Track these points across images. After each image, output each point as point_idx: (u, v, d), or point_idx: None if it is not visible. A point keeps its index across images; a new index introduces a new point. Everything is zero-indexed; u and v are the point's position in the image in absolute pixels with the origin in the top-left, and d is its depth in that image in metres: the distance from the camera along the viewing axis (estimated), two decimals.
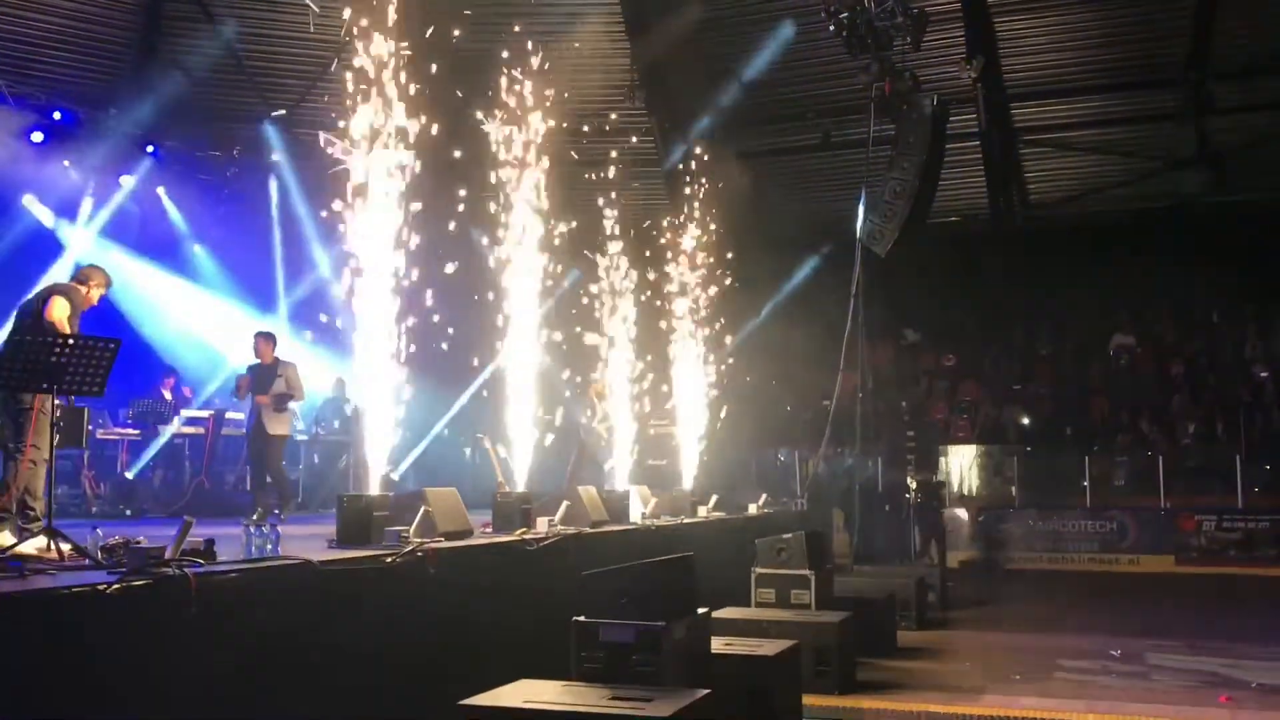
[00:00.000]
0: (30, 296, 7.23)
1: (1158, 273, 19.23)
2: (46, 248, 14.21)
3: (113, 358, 5.73)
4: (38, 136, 14.99)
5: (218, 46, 16.92)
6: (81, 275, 7.43)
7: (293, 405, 11.16)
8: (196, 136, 16.39)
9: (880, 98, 14.62)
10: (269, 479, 10.82)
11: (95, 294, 7.40)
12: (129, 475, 12.45)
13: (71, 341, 5.68)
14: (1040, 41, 19.12)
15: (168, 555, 4.84)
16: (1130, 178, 20.95)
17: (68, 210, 15.22)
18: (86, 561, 5.14)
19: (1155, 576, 16.82)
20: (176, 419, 12.84)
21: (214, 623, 4.78)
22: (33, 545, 5.52)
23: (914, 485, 15.98)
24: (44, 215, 14.97)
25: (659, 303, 13.29)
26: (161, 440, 12.71)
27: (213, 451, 12.56)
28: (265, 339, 11.25)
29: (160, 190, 16.40)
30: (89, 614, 4.35)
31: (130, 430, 12.20)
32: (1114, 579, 16.93)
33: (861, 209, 14.79)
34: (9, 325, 7.22)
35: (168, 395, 13.29)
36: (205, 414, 12.90)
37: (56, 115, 14.96)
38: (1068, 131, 20.60)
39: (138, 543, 4.97)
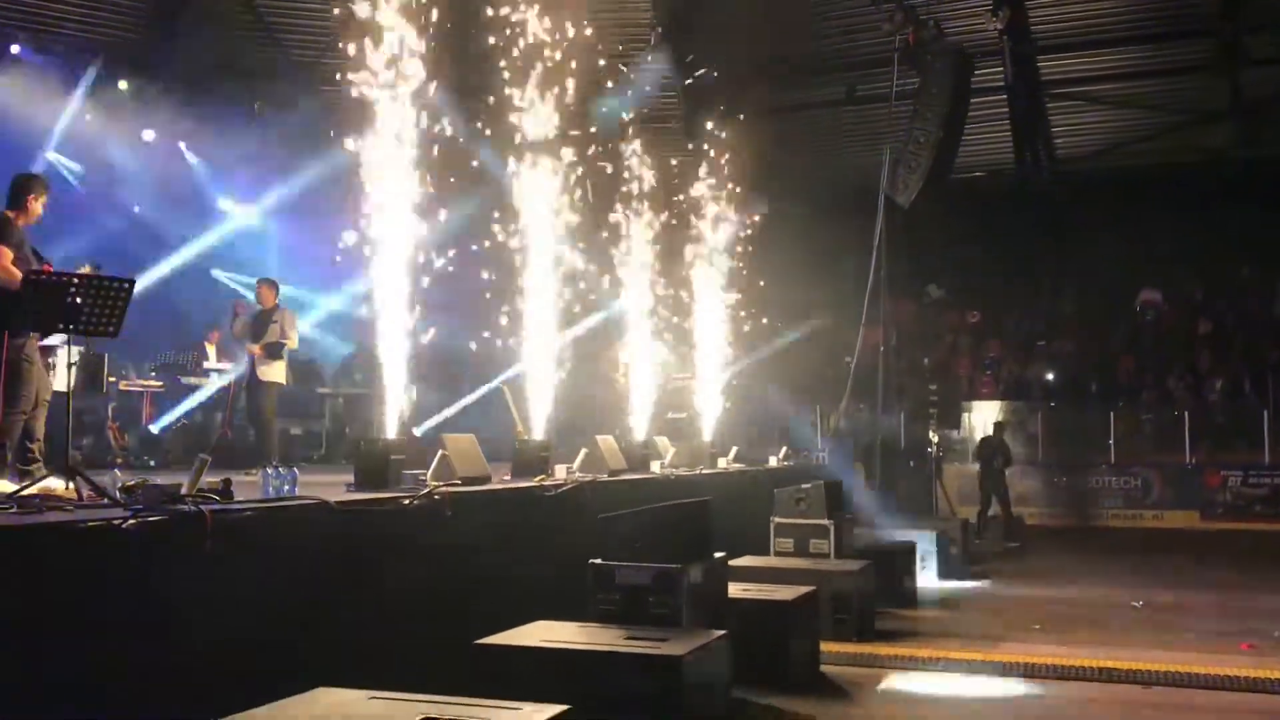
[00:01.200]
0: None
1: (1186, 228, 19.00)
2: (76, 203, 14.22)
3: (128, 297, 5.73)
4: (63, 91, 15.01)
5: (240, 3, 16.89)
6: (14, 192, 6.89)
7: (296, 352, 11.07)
8: (219, 90, 16.34)
9: (904, 48, 14.44)
10: (254, 427, 10.82)
11: (36, 207, 6.94)
12: (153, 428, 12.55)
13: (87, 282, 5.67)
14: None
15: (184, 492, 4.84)
16: (1159, 132, 20.65)
17: (97, 168, 15.24)
18: (105, 501, 5.16)
19: (1180, 532, 16.74)
20: (203, 374, 12.90)
21: (231, 560, 4.80)
22: (46, 485, 5.51)
23: (936, 440, 15.92)
24: (71, 170, 15.01)
25: (681, 267, 13.22)
26: (199, 394, 12.74)
27: (235, 404, 12.62)
28: (267, 284, 11.23)
29: (181, 145, 16.41)
30: (106, 549, 4.37)
31: (154, 382, 12.25)
32: (1138, 535, 16.85)
33: (885, 160, 14.64)
34: None
35: (210, 348, 13.28)
36: (228, 367, 12.94)
37: (85, 71, 14.95)
38: (1096, 85, 20.28)
39: (155, 482, 5.00)
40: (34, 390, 6.18)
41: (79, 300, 5.59)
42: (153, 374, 12.24)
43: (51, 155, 14.68)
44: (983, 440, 15.86)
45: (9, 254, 6.44)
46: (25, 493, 5.46)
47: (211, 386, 12.88)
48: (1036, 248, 21.65)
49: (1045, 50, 19.78)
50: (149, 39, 16.35)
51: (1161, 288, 21.85)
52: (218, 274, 16.53)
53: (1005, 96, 20.11)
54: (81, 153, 14.95)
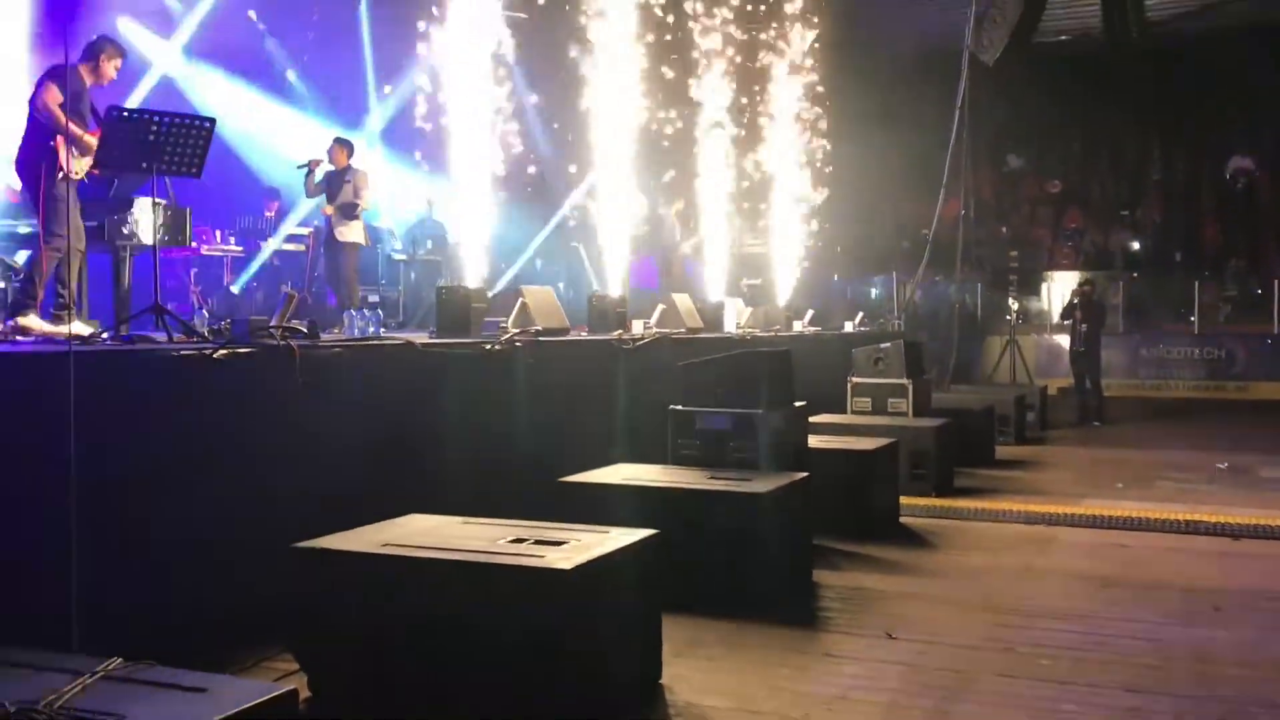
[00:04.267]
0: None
1: None
2: (139, 70, 14.22)
3: (209, 136, 5.72)
4: None
5: None
6: (90, 50, 6.83)
7: (363, 209, 11.07)
8: None
9: None
10: (339, 285, 10.95)
11: (109, 67, 6.85)
12: (234, 289, 12.73)
13: (168, 121, 5.66)
14: None
15: (272, 324, 4.88)
16: None
17: (164, 32, 15.19)
18: (194, 339, 5.23)
19: (1265, 403, 16.34)
20: (278, 236, 12.99)
21: (320, 394, 4.85)
22: (76, 329, 5.50)
23: (1016, 308, 15.57)
24: (143, 39, 14.96)
25: (750, 120, 12.95)
26: (264, 255, 12.87)
27: (313, 267, 12.73)
28: (340, 144, 11.19)
29: (251, 14, 16.26)
30: (197, 377, 4.44)
31: (234, 247, 12.38)
32: (1222, 406, 16.50)
33: (971, 15, 14.07)
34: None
35: (271, 216, 13.43)
36: (306, 231, 13.02)
37: None
38: None
39: (242, 317, 5.05)
40: (68, 229, 6.23)
41: (160, 139, 5.59)
42: (232, 238, 12.35)
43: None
44: (1071, 303, 14.54)
45: (58, 95, 6.40)
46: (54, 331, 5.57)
47: (277, 243, 12.96)
48: (1122, 114, 20.84)
49: None
50: None
51: (1253, 155, 21.00)
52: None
53: None
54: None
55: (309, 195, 11.43)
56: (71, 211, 6.39)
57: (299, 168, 11.31)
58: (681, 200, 12.20)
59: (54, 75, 6.48)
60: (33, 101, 6.45)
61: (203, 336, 5.13)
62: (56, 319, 6.30)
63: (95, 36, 7.01)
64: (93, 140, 6.30)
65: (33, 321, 6.13)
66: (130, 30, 14.71)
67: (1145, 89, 20.25)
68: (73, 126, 6.33)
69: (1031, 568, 6.03)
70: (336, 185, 10.90)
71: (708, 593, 4.94)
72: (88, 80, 6.74)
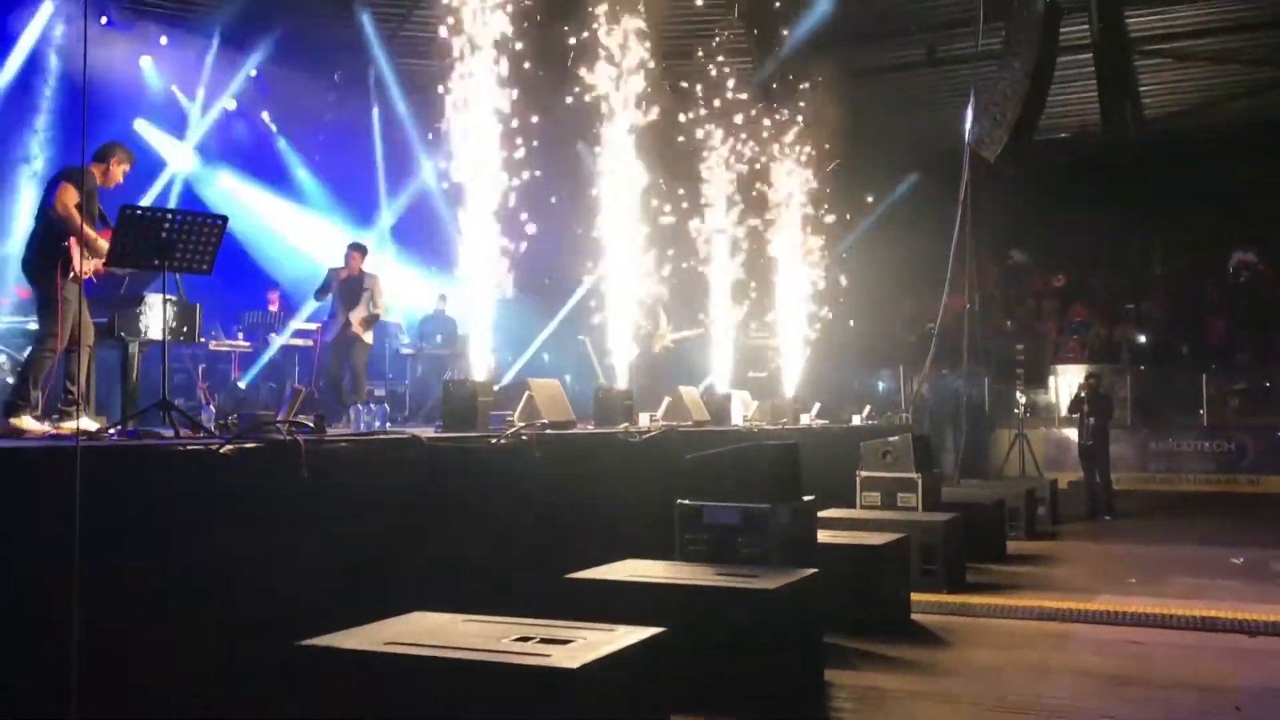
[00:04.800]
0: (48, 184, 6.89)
1: None
2: (153, 169, 14.53)
3: (221, 234, 5.78)
4: (146, 61, 15.28)
5: None
6: (101, 153, 6.95)
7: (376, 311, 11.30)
8: (299, 60, 16.50)
9: None
10: (348, 378, 11.05)
11: (118, 171, 6.99)
12: (241, 385, 12.77)
13: (181, 218, 5.73)
14: None
15: (279, 419, 4.88)
16: (1253, 88, 19.93)
17: (178, 134, 15.54)
18: (201, 434, 5.23)
19: (1276, 497, 16.22)
20: (286, 332, 13.09)
21: (325, 489, 4.83)
22: (83, 425, 5.44)
23: (1023, 401, 15.53)
24: (158, 140, 15.29)
25: (758, 222, 13.08)
26: (271, 351, 12.96)
27: (321, 362, 12.79)
28: (357, 250, 11.40)
29: (265, 115, 16.63)
30: (203, 473, 4.42)
31: (242, 343, 12.46)
32: (1233, 500, 16.37)
33: (970, 113, 14.28)
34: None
35: (274, 309, 13.57)
36: (313, 325, 13.12)
37: (163, 40, 15.21)
38: (1185, 40, 19.60)
39: (250, 411, 5.05)
40: (68, 331, 6.25)
41: (173, 236, 5.65)
42: (240, 334, 12.43)
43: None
44: (1078, 396, 14.36)
45: (74, 195, 6.48)
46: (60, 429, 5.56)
47: (284, 339, 13.08)
48: (1123, 208, 21.02)
49: (1133, 4, 19.16)
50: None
51: (1255, 248, 21.14)
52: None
53: (1091, 54, 19.52)
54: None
55: (318, 300, 11.59)
56: (81, 309, 6.44)
57: (316, 297, 11.54)
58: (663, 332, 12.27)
59: (69, 177, 6.56)
60: (48, 204, 6.52)
61: (209, 432, 5.12)
62: (65, 415, 6.29)
63: (107, 140, 7.16)
64: (104, 243, 6.36)
65: (26, 423, 6.03)
66: (145, 131, 15.06)
67: (1145, 184, 20.47)
68: (86, 228, 6.40)
69: (1046, 665, 5.93)
70: (355, 292, 11.09)
71: (717, 692, 4.84)
72: (98, 182, 6.85)
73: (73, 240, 6.36)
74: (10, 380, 7.48)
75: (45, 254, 6.50)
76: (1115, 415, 15.28)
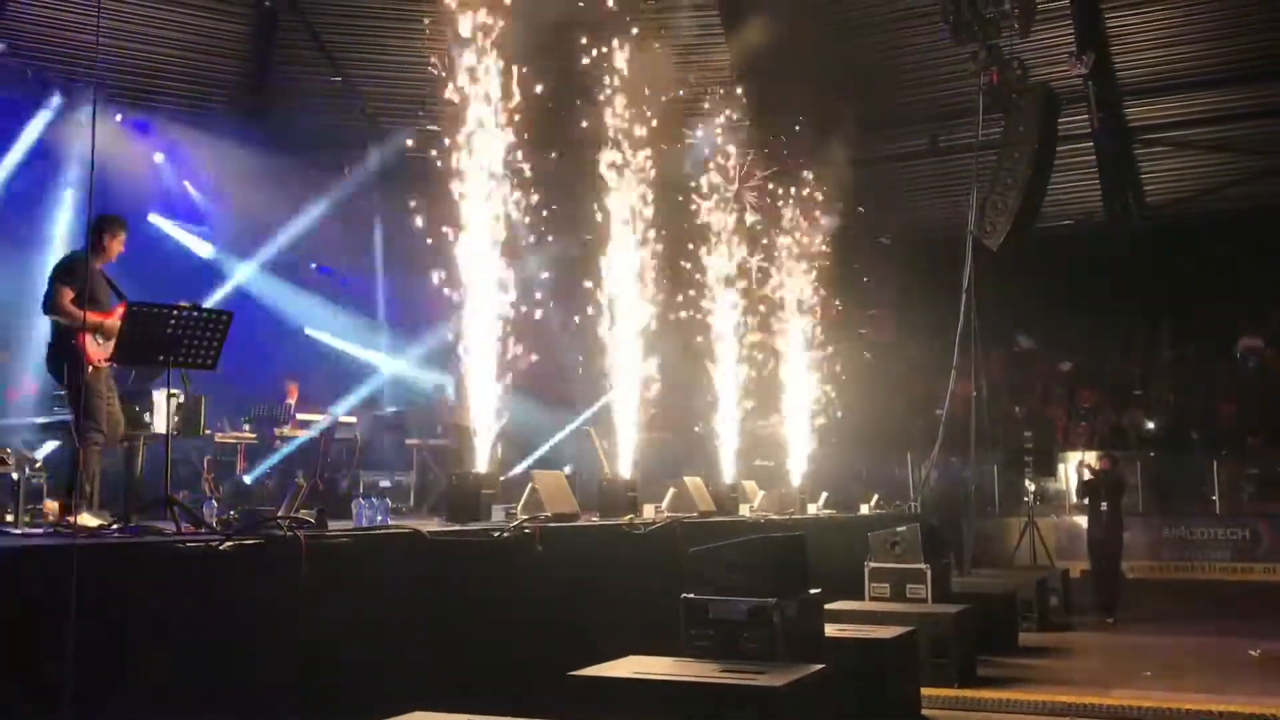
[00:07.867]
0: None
1: None
2: (168, 256, 14.81)
3: (226, 329, 5.81)
4: (159, 157, 15.56)
5: (328, 72, 17.41)
6: (92, 231, 6.97)
7: None
8: (306, 160, 16.78)
9: (989, 87, 14.27)
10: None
11: (114, 245, 7.00)
12: (246, 479, 12.73)
13: (186, 315, 5.77)
14: (1154, 35, 18.48)
15: (280, 514, 4.87)
16: (1253, 175, 20.11)
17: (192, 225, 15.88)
18: (203, 530, 5.20)
19: None
20: (291, 425, 13.09)
21: (326, 585, 4.79)
22: (83, 519, 5.53)
23: (1033, 489, 15.39)
24: (172, 231, 15.63)
25: (762, 309, 13.15)
26: (289, 448, 12.93)
27: (326, 455, 12.78)
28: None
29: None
30: (204, 569, 4.40)
31: (248, 434, 12.46)
32: (1248, 588, 16.13)
33: (973, 202, 14.43)
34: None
35: (291, 402, 13.54)
36: (319, 418, 13.13)
37: (174, 136, 15.53)
38: (1185, 129, 19.85)
39: (251, 508, 5.04)
40: (103, 422, 6.30)
41: (178, 332, 5.68)
42: (246, 425, 12.44)
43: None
44: (1092, 480, 13.43)
45: (69, 293, 6.55)
46: (123, 522, 5.54)
47: (291, 431, 13.09)
48: (1129, 295, 21.10)
49: (1131, 94, 19.45)
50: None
51: (1262, 334, 21.13)
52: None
53: (1092, 144, 19.78)
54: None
55: None
56: (111, 401, 6.50)
57: None
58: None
59: (59, 277, 6.66)
60: (46, 310, 6.62)
61: (210, 527, 5.10)
62: (75, 508, 6.27)
63: (96, 216, 7.19)
64: (114, 323, 6.38)
65: (85, 519, 5.96)
66: (160, 225, 15.33)
67: (1149, 269, 20.57)
68: (92, 315, 6.46)
69: None
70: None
71: None
72: (96, 264, 6.88)
73: (81, 335, 6.42)
74: (15, 476, 7.45)
75: (61, 352, 6.62)
76: (1127, 502, 15.10)
